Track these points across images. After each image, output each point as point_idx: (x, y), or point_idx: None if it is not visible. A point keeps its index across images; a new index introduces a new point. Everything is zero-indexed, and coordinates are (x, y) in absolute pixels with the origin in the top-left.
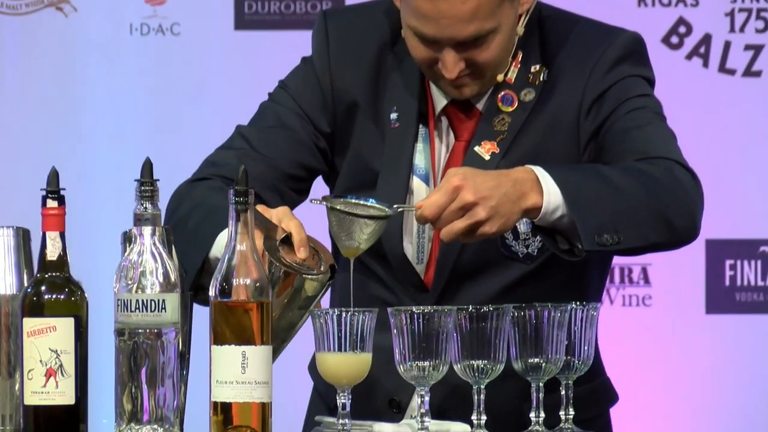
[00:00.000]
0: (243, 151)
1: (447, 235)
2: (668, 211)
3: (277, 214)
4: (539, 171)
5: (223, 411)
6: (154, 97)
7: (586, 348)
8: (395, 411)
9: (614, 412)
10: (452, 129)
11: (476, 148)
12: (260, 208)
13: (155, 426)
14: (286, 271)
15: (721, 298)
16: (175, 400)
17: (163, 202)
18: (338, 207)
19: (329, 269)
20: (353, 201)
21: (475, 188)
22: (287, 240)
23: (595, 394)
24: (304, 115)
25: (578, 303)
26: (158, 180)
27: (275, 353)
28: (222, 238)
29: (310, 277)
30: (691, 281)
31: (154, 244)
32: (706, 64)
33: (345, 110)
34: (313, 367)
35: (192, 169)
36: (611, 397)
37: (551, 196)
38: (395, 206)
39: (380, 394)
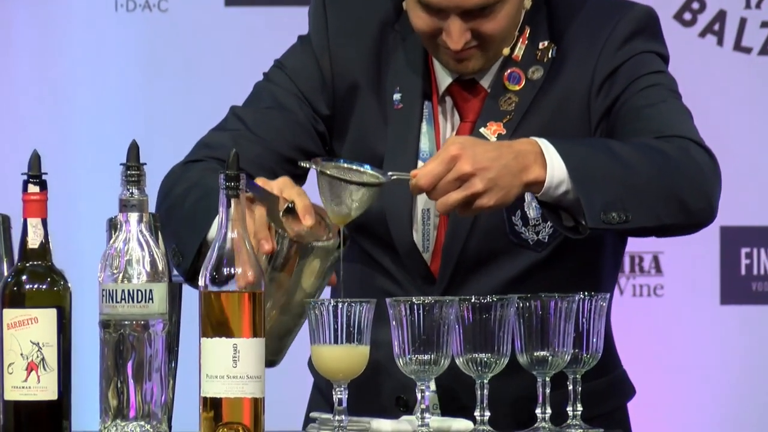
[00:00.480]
0: (238, 132)
1: (442, 206)
2: (682, 190)
3: (277, 185)
4: (543, 143)
5: (213, 407)
6: (140, 77)
7: (595, 340)
8: (402, 409)
9: (630, 406)
10: (457, 109)
11: (482, 130)
12: (260, 180)
13: (142, 422)
14: (295, 241)
15: (737, 287)
16: (163, 396)
17: (150, 186)
18: (328, 171)
19: (339, 235)
20: (345, 165)
21: (474, 158)
22: (291, 211)
23: (612, 387)
24: (302, 96)
25: (586, 293)
26: (145, 164)
27: (293, 332)
28: None
29: (320, 243)
30: (704, 270)
31: (141, 231)
32: (720, 42)
33: (345, 92)
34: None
35: (181, 152)
36: (628, 390)
37: (555, 170)
38: (389, 173)
39: (386, 392)
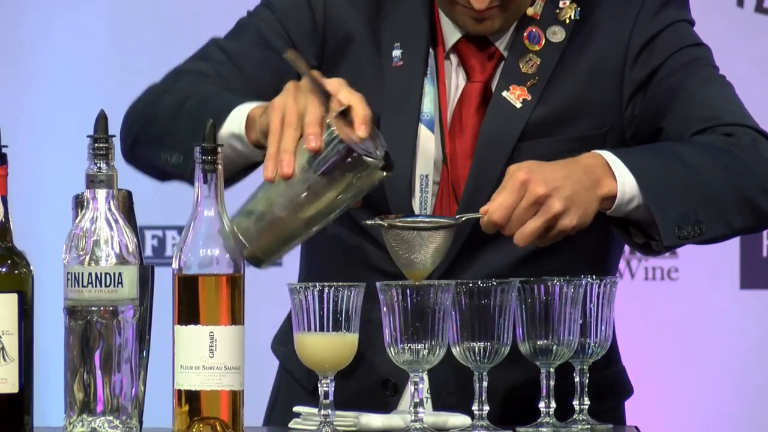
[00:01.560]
0: (222, 65)
1: (522, 238)
2: (753, 192)
3: (332, 85)
4: (608, 156)
5: (188, 400)
6: (110, 38)
7: (603, 328)
8: (390, 394)
9: (631, 403)
10: (463, 67)
11: (504, 94)
12: (315, 73)
13: (110, 417)
14: (346, 149)
15: (758, 271)
16: (133, 388)
17: (120, 160)
18: (397, 224)
19: (386, 157)
20: (409, 219)
21: (545, 179)
22: (343, 115)
23: (610, 385)
24: (289, 40)
25: (594, 277)
26: (114, 136)
27: (295, 239)
28: (242, 113)
29: (369, 159)
30: (723, 252)
31: (110, 209)
32: (740, 3)
33: (336, 43)
34: (280, 344)
35: None
36: (626, 389)
37: (626, 185)
38: (458, 216)
39: (372, 374)
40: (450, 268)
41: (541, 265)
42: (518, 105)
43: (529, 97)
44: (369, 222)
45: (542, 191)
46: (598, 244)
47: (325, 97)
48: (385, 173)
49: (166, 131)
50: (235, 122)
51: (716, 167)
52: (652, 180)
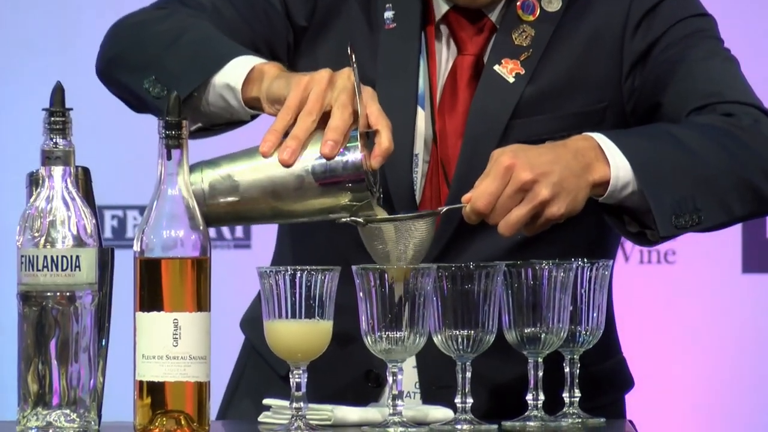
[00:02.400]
0: (220, 0)
1: (507, 227)
2: (755, 176)
3: (366, 94)
4: (601, 138)
5: (150, 392)
6: (63, 5)
7: (595, 315)
8: (373, 385)
9: (631, 397)
10: (454, 40)
11: (496, 68)
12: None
13: (67, 411)
14: (359, 172)
15: (761, 254)
16: (92, 380)
17: (78, 135)
18: (378, 216)
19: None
20: (388, 217)
21: (530, 164)
22: (367, 134)
23: (609, 376)
24: None
25: (585, 260)
26: (71, 109)
27: (254, 220)
28: (244, 66)
29: (371, 194)
30: (724, 234)
31: (67, 187)
32: None
33: (329, 3)
34: (249, 323)
35: (114, 98)
36: (627, 381)
37: (620, 170)
38: (438, 208)
39: (353, 365)
40: (439, 256)
41: (535, 252)
42: (511, 80)
43: (522, 71)
44: (343, 220)
45: (528, 177)
46: (595, 228)
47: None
48: (375, 210)
49: (154, 59)
50: (233, 74)
51: (716, 150)
52: (647, 164)
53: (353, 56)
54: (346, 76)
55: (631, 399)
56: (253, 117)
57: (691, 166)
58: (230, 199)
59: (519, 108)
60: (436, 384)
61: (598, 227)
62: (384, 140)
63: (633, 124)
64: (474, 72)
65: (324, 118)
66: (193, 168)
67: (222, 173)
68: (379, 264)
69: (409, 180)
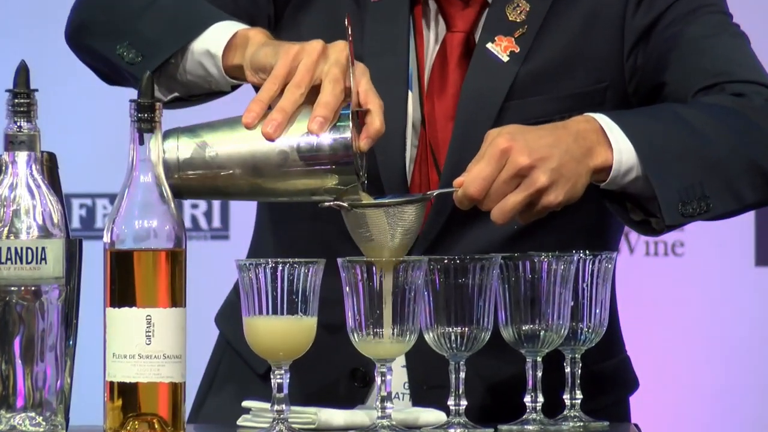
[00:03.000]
0: None
1: (501, 214)
2: (766, 161)
3: (357, 70)
4: (603, 120)
5: (122, 394)
6: None
7: (597, 311)
8: (359, 385)
9: (635, 398)
10: (443, 16)
11: (489, 46)
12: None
13: (32, 414)
14: (348, 152)
15: None
16: (59, 380)
17: (43, 118)
18: (359, 203)
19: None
20: (375, 201)
21: (528, 148)
22: (356, 114)
23: (612, 376)
24: None
25: (587, 252)
26: (37, 90)
27: (225, 196)
28: (225, 31)
29: (358, 177)
30: (735, 223)
31: (31, 174)
32: None
33: None
34: (225, 318)
35: (83, 76)
36: (631, 382)
37: (623, 154)
38: (428, 192)
39: (338, 362)
40: (431, 247)
41: (532, 242)
42: (505, 58)
43: (517, 49)
44: (326, 204)
45: (525, 162)
46: (596, 216)
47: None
48: (355, 197)
49: (128, 23)
50: (214, 39)
51: (725, 132)
52: (652, 148)
53: (350, 28)
54: (340, 48)
55: (635, 400)
56: (234, 88)
57: (699, 150)
58: (206, 171)
59: (514, 89)
60: (427, 384)
61: (599, 215)
62: (375, 121)
63: (636, 105)
64: (464, 50)
65: (313, 93)
66: (168, 134)
67: (199, 142)
68: (364, 252)
69: (401, 164)
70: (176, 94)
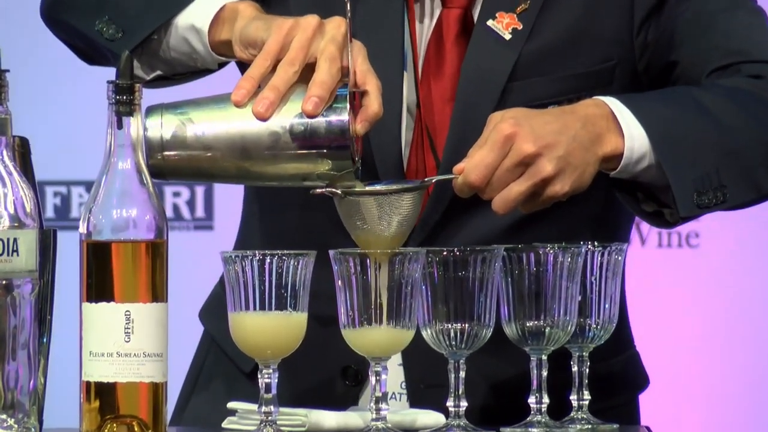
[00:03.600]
0: None
1: (503, 203)
2: None
3: (354, 48)
4: (614, 104)
5: (99, 394)
6: None
7: (607, 306)
8: (351, 384)
9: (646, 397)
10: None
11: (490, 23)
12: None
13: (3, 416)
14: (344, 136)
15: None
16: (32, 380)
17: (15, 101)
18: (353, 190)
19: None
20: (368, 188)
21: (534, 134)
22: (353, 95)
23: (621, 374)
24: None
25: (596, 243)
26: (8, 71)
27: (210, 179)
28: (211, 5)
29: (354, 162)
30: (753, 213)
31: (2, 160)
32: None
33: None
34: (210, 313)
35: (61, 56)
36: (641, 379)
37: (635, 141)
38: (426, 179)
39: (329, 360)
40: (429, 237)
41: (540, 231)
42: (507, 36)
43: (519, 26)
44: (318, 191)
45: (530, 150)
46: (605, 205)
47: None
48: (349, 184)
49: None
50: (199, 13)
51: (742, 118)
52: (666, 134)
53: (348, 4)
54: (337, 24)
55: (646, 400)
56: (221, 65)
57: (716, 137)
58: (192, 151)
59: (517, 68)
60: (425, 383)
61: (608, 204)
62: (373, 103)
63: (647, 84)
64: (462, 28)
65: (307, 71)
66: (150, 110)
67: (185, 119)
68: (357, 242)
69: (397, 148)
70: (159, 72)
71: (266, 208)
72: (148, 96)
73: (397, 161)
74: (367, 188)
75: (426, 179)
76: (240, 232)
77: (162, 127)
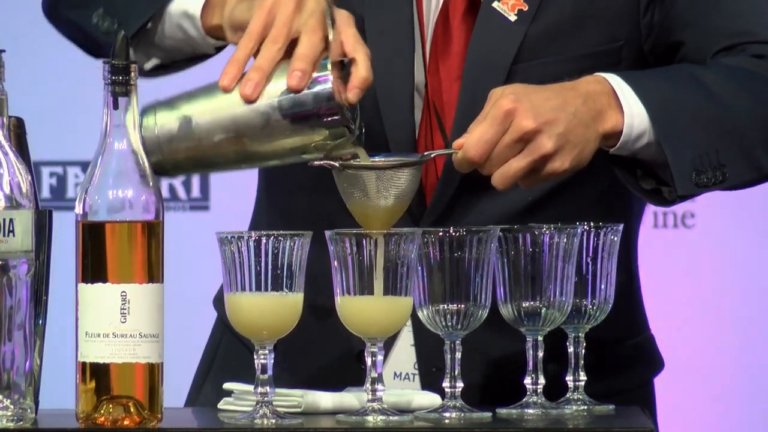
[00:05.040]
0: None
1: (502, 179)
2: None
3: (340, 18)
4: (614, 80)
5: (94, 375)
6: None
7: (603, 287)
8: (364, 367)
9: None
10: None
11: (495, 4)
12: None
13: None
14: (333, 105)
15: None
16: (27, 361)
17: (12, 80)
18: (352, 163)
19: (360, 135)
20: (368, 163)
21: (534, 110)
22: (341, 64)
23: (636, 356)
24: None
25: (592, 223)
26: (4, 51)
27: (216, 166)
28: None
29: (349, 131)
30: (750, 193)
31: None
32: None
33: None
34: (222, 301)
35: (63, 43)
36: (656, 362)
37: (635, 118)
38: (426, 153)
39: (344, 344)
40: (439, 220)
41: (552, 213)
42: (512, 18)
43: (525, 7)
44: (317, 162)
45: (530, 126)
46: (616, 184)
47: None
48: (355, 150)
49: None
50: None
51: (744, 97)
52: (666, 112)
53: None
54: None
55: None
56: (218, 50)
57: (716, 115)
58: (189, 144)
59: (522, 50)
60: (436, 366)
61: (617, 183)
62: (361, 69)
63: (653, 64)
64: (469, 5)
65: (293, 47)
66: (144, 110)
67: (178, 115)
68: (354, 215)
69: (411, 127)
70: (156, 61)
71: (276, 192)
72: (149, 87)
73: (410, 140)
74: (366, 162)
75: (425, 153)
76: (253, 217)
77: (156, 126)
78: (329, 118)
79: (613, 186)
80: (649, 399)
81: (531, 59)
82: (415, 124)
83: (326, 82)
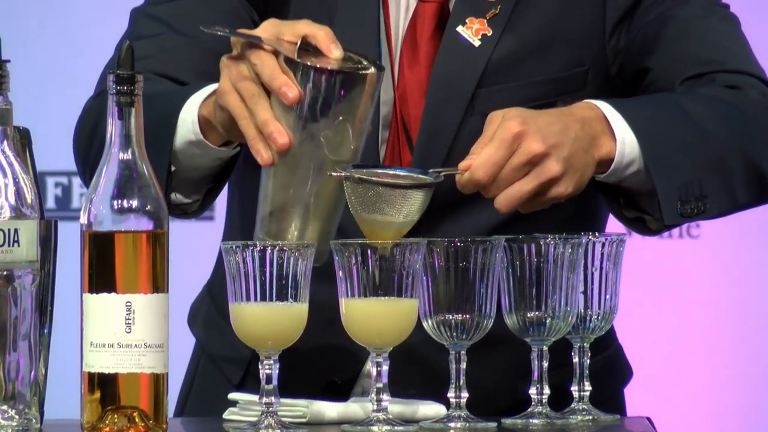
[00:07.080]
0: (161, 36)
1: (507, 202)
2: (762, 159)
3: (267, 29)
4: (606, 108)
5: (100, 386)
6: None
7: (608, 297)
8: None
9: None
10: None
11: (459, 29)
12: (241, 30)
13: (4, 407)
14: (330, 72)
15: None
16: (33, 371)
17: (17, 91)
18: (367, 178)
19: (372, 60)
20: (379, 171)
21: (542, 134)
22: (304, 48)
23: (607, 368)
24: None
25: (597, 234)
26: (9, 62)
27: (340, 204)
28: (191, 114)
29: (364, 71)
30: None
31: (3, 151)
32: None
33: None
34: (196, 320)
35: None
36: (625, 372)
37: (626, 145)
38: (431, 171)
39: (312, 371)
40: (424, 229)
41: (546, 220)
42: (477, 42)
43: (489, 32)
44: (335, 174)
45: (539, 149)
46: (594, 198)
47: (261, 43)
48: (381, 72)
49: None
50: (188, 126)
51: (725, 129)
52: (655, 141)
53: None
54: (239, 45)
55: (643, 391)
56: (240, 145)
57: (700, 146)
58: (304, 219)
59: (486, 75)
60: (421, 379)
61: (595, 197)
62: (318, 34)
63: (621, 87)
64: (438, 22)
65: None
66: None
67: (272, 219)
68: (361, 228)
69: (373, 137)
70: (197, 197)
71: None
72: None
73: (373, 152)
74: (379, 178)
75: (433, 171)
76: (226, 223)
77: (269, 237)
78: (339, 81)
79: (589, 201)
80: (620, 407)
81: (494, 84)
82: (379, 139)
83: (306, 69)
